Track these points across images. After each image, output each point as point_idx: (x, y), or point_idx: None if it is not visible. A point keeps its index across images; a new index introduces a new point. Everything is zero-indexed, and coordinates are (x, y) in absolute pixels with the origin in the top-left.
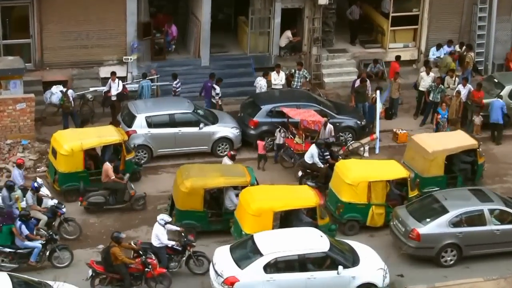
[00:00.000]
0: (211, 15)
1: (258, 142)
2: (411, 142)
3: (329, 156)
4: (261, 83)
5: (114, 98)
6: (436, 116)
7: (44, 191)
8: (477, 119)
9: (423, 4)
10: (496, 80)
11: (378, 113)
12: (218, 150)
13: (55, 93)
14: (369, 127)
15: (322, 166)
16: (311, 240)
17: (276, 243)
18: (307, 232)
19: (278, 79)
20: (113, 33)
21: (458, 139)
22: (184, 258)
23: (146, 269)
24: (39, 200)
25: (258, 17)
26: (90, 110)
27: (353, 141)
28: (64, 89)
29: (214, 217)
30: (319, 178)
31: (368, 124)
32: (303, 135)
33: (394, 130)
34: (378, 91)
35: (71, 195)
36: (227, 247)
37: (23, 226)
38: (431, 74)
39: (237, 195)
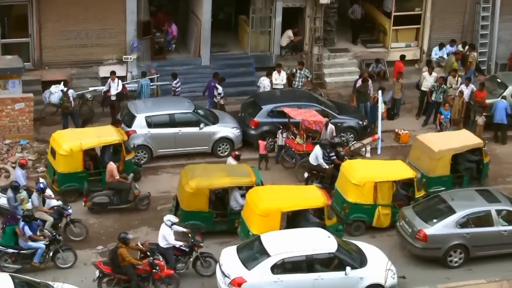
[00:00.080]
0: (212, 14)
1: (260, 142)
2: (416, 142)
3: (334, 157)
4: (264, 83)
5: (113, 98)
6: (439, 116)
7: (48, 191)
8: (480, 119)
9: (425, 3)
10: (499, 80)
11: (380, 113)
12: (219, 151)
13: (54, 92)
14: (371, 127)
15: (327, 167)
16: (319, 241)
17: (284, 243)
18: (314, 233)
19: (279, 79)
20: (113, 32)
21: (463, 138)
22: (191, 259)
23: (154, 270)
24: (43, 201)
25: (259, 16)
26: (89, 110)
27: (355, 142)
28: (65, 89)
29: (219, 217)
30: (325, 179)
31: (369, 124)
32: (304, 136)
33: (396, 130)
34: (380, 91)
35: (71, 195)
36: (234, 248)
37: (26, 227)
38: (434, 74)
39: (242, 196)
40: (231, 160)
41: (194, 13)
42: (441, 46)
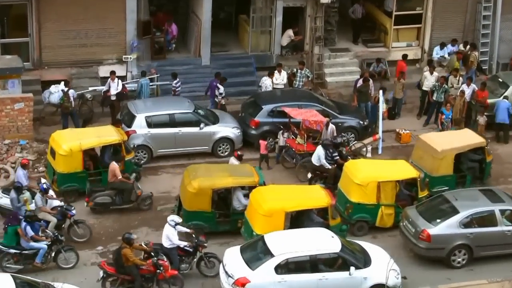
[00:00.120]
0: (212, 13)
1: (261, 141)
2: (419, 141)
3: (338, 157)
4: (266, 82)
5: (113, 98)
6: (440, 116)
7: (50, 192)
8: (481, 119)
9: (426, 3)
10: (500, 80)
11: (381, 113)
12: (219, 151)
13: (54, 92)
14: (372, 127)
15: (330, 167)
16: (323, 241)
17: (287, 243)
18: (318, 233)
19: (279, 78)
20: (113, 32)
21: (466, 137)
22: (195, 260)
23: (158, 270)
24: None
25: (259, 15)
26: (89, 110)
27: (356, 142)
28: (66, 89)
29: (222, 217)
30: (328, 179)
31: (370, 124)
32: (305, 135)
33: (397, 130)
34: (381, 91)
35: (70, 195)
36: (237, 248)
37: (28, 227)
38: (435, 73)
39: (244, 195)
40: (233, 160)
41: (194, 12)
42: (442, 46)
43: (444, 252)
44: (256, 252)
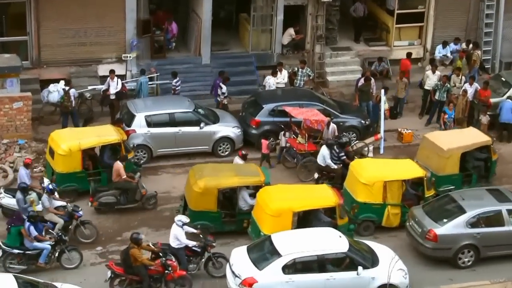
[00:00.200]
0: (212, 12)
1: (262, 141)
2: (424, 141)
3: (344, 156)
4: (270, 81)
5: (113, 97)
6: (442, 115)
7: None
8: (484, 119)
9: (428, 1)
10: (503, 79)
11: (383, 113)
12: (219, 150)
13: (53, 91)
14: (374, 126)
15: (336, 167)
16: (330, 241)
17: (295, 243)
18: (325, 232)
19: (280, 77)
20: (112, 31)
21: (472, 136)
22: (203, 260)
23: (166, 271)
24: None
25: (260, 14)
26: (88, 109)
27: (357, 141)
28: (66, 88)
29: (227, 217)
30: (335, 179)
31: (372, 123)
32: (306, 135)
33: (399, 129)
34: (383, 90)
35: (69, 195)
36: (244, 248)
37: (32, 227)
38: (437, 72)
39: (250, 195)
40: (238, 160)
41: (194, 11)
42: (445, 44)
43: (450, 252)
44: (263, 252)
